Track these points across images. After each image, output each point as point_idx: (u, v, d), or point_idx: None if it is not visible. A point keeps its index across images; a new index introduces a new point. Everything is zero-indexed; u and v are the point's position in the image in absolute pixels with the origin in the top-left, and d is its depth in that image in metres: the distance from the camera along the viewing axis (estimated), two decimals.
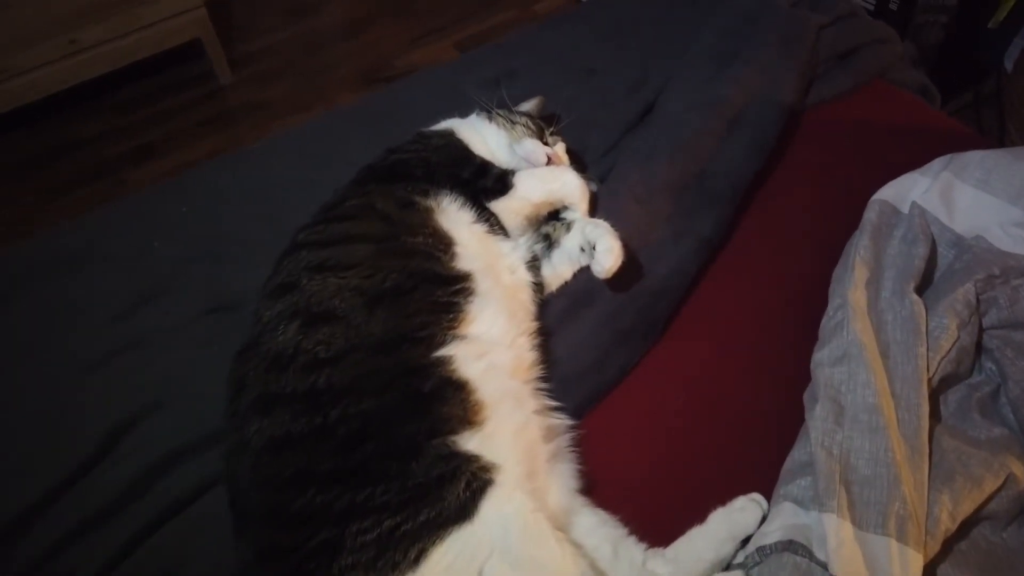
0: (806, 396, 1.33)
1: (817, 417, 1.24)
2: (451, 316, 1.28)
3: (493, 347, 1.28)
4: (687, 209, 1.62)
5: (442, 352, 1.22)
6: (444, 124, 1.67)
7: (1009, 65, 2.99)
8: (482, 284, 1.34)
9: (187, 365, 1.46)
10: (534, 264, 1.50)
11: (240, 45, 3.48)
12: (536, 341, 1.39)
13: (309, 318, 1.23)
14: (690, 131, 1.72)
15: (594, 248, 1.41)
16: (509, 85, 1.82)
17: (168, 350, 1.50)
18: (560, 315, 1.48)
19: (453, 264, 1.35)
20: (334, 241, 1.34)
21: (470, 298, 1.31)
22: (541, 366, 1.38)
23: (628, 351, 1.47)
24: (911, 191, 1.55)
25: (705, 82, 1.85)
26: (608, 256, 1.39)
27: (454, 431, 1.13)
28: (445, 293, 1.30)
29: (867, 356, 1.27)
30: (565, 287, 1.53)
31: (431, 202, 1.43)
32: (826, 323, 1.39)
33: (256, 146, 1.94)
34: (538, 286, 1.48)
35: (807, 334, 1.42)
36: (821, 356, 1.33)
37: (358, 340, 1.20)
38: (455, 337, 1.25)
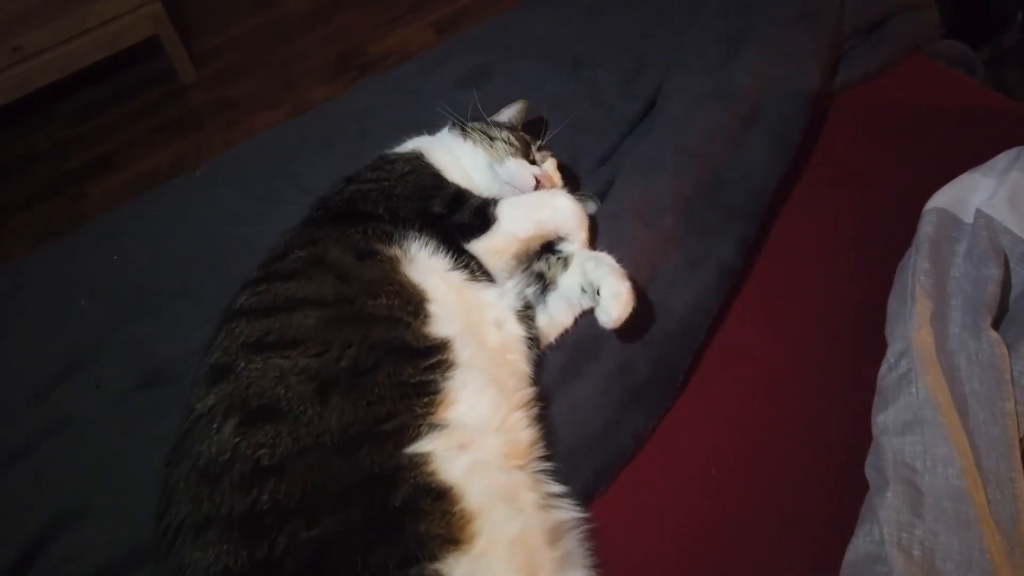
0: (870, 469, 1.09)
1: (889, 506, 1.00)
2: (425, 399, 1.04)
3: (480, 433, 1.05)
4: (703, 229, 1.37)
5: (415, 448, 1.00)
6: (411, 144, 1.43)
7: None
8: (463, 352, 1.11)
9: (118, 456, 1.26)
10: (527, 313, 1.25)
11: (200, 39, 3.27)
12: (533, 412, 1.15)
13: (248, 414, 1.00)
14: (698, 132, 1.47)
15: (598, 292, 1.17)
16: (483, 85, 1.58)
17: (96, 437, 1.30)
18: (558, 373, 1.24)
19: (426, 329, 1.11)
20: (276, 307, 1.10)
21: (449, 372, 1.08)
22: (540, 443, 1.13)
23: (644, 412, 1.23)
24: (973, 195, 1.30)
25: (711, 70, 1.59)
26: (616, 303, 1.15)
27: (435, 556, 0.92)
28: (417, 370, 1.06)
29: (943, 420, 1.03)
30: (564, 336, 1.28)
31: (396, 250, 1.19)
32: (887, 374, 1.14)
33: (198, 174, 1.70)
34: (533, 340, 1.24)
35: (861, 379, 1.19)
36: (885, 420, 1.09)
37: (309, 440, 0.98)
38: (431, 426, 1.02)
